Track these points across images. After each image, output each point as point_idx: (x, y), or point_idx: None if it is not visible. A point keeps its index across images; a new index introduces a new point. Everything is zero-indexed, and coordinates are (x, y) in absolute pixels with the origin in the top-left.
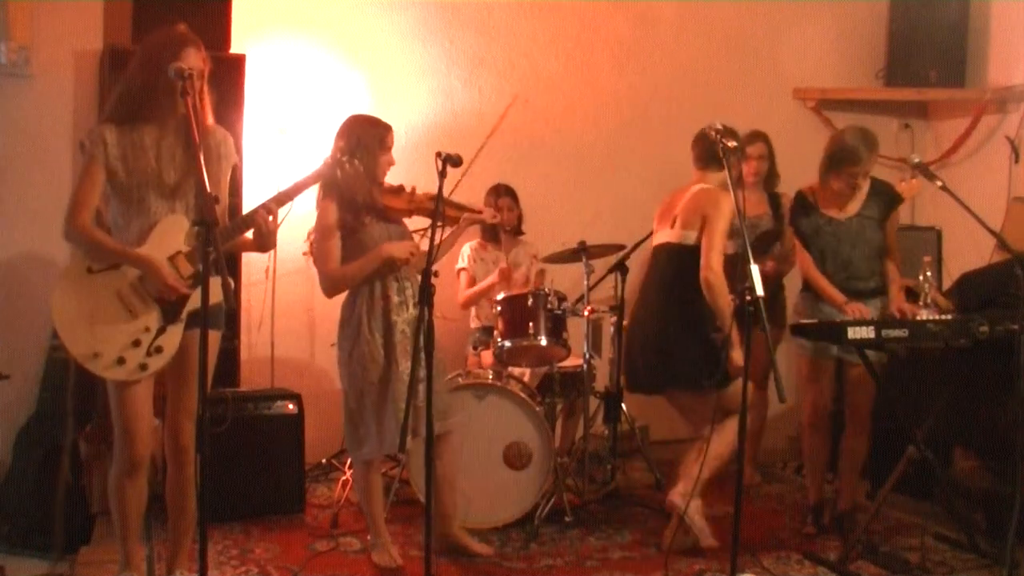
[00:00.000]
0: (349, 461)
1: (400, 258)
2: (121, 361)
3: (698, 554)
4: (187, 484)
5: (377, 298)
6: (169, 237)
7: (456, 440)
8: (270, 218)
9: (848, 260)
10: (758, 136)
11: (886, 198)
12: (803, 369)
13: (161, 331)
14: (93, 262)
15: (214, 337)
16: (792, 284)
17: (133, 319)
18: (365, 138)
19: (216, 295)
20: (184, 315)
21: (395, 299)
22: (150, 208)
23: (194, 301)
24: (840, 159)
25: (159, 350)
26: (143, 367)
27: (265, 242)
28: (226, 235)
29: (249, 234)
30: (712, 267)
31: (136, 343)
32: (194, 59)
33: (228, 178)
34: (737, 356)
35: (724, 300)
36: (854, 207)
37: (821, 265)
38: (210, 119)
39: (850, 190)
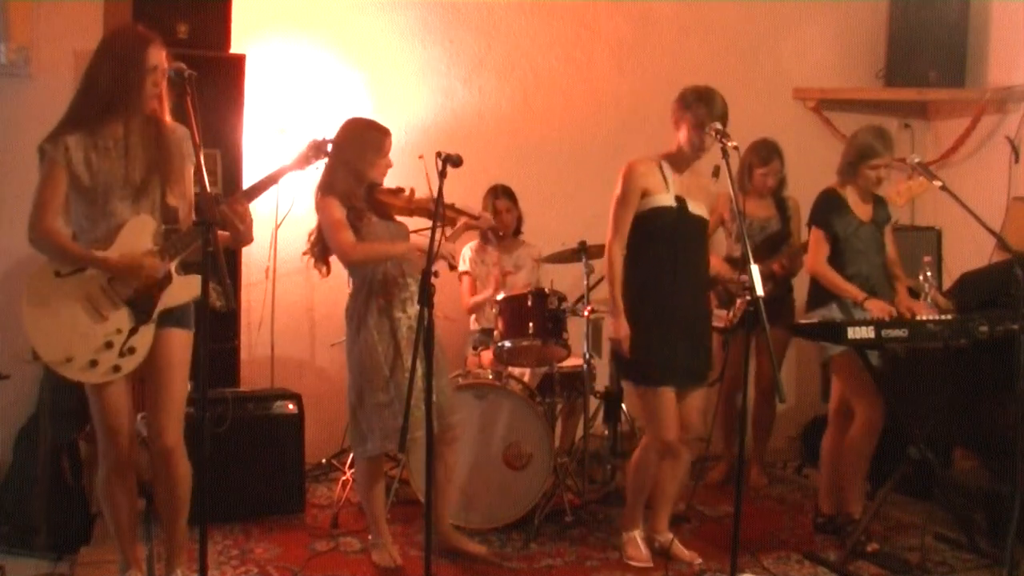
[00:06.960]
0: (349, 461)
1: (418, 255)
2: (94, 364)
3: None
4: (177, 483)
5: (377, 294)
6: (136, 238)
7: (458, 442)
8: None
9: (878, 264)
10: (773, 153)
11: (885, 206)
12: (852, 380)
13: (133, 332)
14: (60, 266)
15: (186, 336)
16: (801, 287)
17: (104, 321)
18: (363, 140)
19: (190, 292)
20: (156, 315)
21: (397, 295)
22: (116, 209)
23: (165, 300)
24: (858, 158)
25: (132, 351)
26: (116, 368)
27: (238, 238)
28: (190, 237)
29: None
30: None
31: (108, 345)
32: (159, 57)
33: (192, 176)
34: None
35: None
36: (869, 213)
37: (855, 267)
38: (168, 117)
39: (876, 185)
